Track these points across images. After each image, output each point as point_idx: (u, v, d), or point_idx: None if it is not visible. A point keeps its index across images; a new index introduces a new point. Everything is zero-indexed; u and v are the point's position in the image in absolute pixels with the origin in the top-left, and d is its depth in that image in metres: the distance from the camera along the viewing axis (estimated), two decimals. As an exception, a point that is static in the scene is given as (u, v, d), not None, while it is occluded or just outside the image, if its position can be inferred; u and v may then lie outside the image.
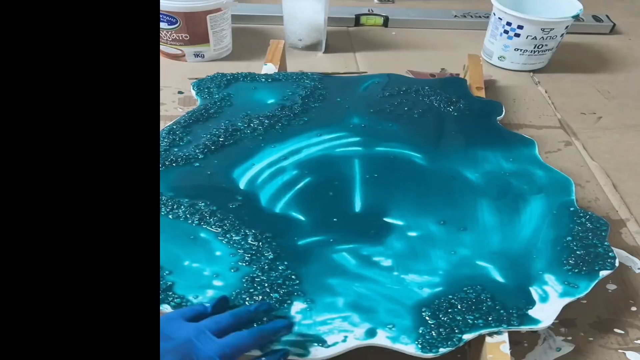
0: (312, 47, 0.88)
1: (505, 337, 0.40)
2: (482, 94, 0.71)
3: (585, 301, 0.47)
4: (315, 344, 0.39)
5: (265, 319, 0.40)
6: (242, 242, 0.46)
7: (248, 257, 0.45)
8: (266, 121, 0.61)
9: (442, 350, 0.39)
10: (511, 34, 0.82)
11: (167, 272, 0.43)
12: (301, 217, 0.50)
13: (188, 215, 0.48)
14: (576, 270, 0.45)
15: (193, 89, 0.67)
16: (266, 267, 0.44)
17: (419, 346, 0.39)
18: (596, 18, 1.01)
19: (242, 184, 0.53)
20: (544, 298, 0.43)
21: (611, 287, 0.50)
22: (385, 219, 0.50)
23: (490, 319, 0.41)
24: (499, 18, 0.82)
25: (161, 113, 0.70)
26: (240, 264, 0.44)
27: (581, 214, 0.51)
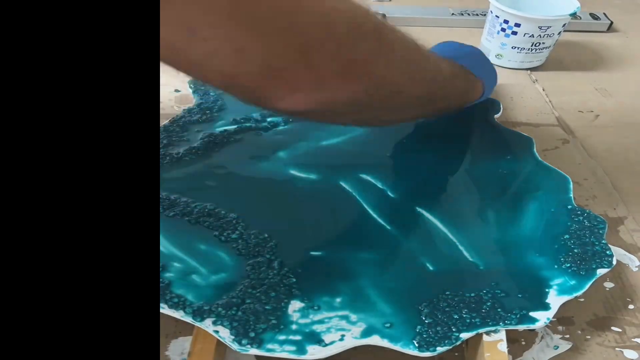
0: (309, 45, 0.87)
1: (502, 335, 0.40)
2: (479, 92, 0.71)
3: (582, 299, 0.47)
4: (313, 343, 0.39)
5: None
6: (239, 241, 0.46)
7: (245, 256, 0.45)
8: (263, 119, 0.61)
9: (439, 349, 0.38)
10: (508, 32, 0.82)
11: (163, 270, 0.43)
12: (299, 216, 0.50)
13: (185, 214, 0.48)
14: (574, 269, 0.45)
15: (190, 87, 0.67)
16: (263, 266, 0.44)
17: (417, 345, 0.39)
18: (593, 16, 1.01)
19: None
20: (542, 296, 0.43)
21: (609, 285, 0.49)
22: (380, 219, 0.50)
23: (487, 317, 0.41)
24: (496, 16, 0.82)
25: (158, 111, 0.69)
26: (237, 263, 0.44)
27: (579, 212, 0.51)
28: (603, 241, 0.48)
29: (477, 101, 0.60)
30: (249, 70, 0.31)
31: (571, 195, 0.53)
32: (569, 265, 0.45)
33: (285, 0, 0.30)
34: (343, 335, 0.39)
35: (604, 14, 1.02)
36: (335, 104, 0.36)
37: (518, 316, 0.41)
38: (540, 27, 0.80)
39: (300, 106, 0.34)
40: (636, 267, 0.52)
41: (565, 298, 0.43)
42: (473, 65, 0.56)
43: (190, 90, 0.66)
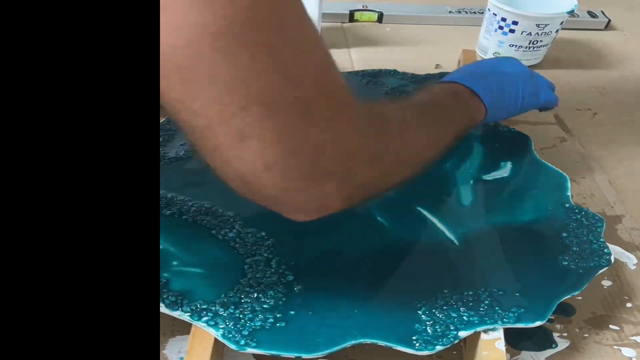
0: (307, 43, 0.87)
1: (500, 333, 0.40)
2: (477, 90, 0.71)
3: (580, 297, 0.47)
4: (311, 342, 0.38)
5: None
6: (237, 239, 0.46)
7: (242, 254, 0.44)
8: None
9: (438, 347, 0.38)
10: (506, 29, 0.82)
11: (161, 269, 0.43)
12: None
13: (182, 213, 0.48)
14: (572, 267, 0.45)
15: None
16: (261, 264, 0.44)
17: (415, 344, 0.39)
18: (591, 14, 1.01)
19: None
20: (539, 295, 0.43)
21: (606, 283, 0.49)
22: (378, 216, 0.49)
23: (485, 316, 0.40)
24: (494, 14, 0.82)
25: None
26: (234, 261, 0.44)
27: (576, 210, 0.51)
28: (601, 239, 0.48)
29: (484, 122, 0.54)
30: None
31: (569, 193, 0.53)
32: (566, 263, 0.45)
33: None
34: (341, 334, 0.39)
35: (602, 12, 1.02)
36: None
37: (516, 314, 0.41)
38: (537, 25, 0.80)
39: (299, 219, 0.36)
40: (634, 265, 0.52)
41: (563, 296, 0.43)
42: (481, 85, 0.52)
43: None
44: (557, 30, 0.82)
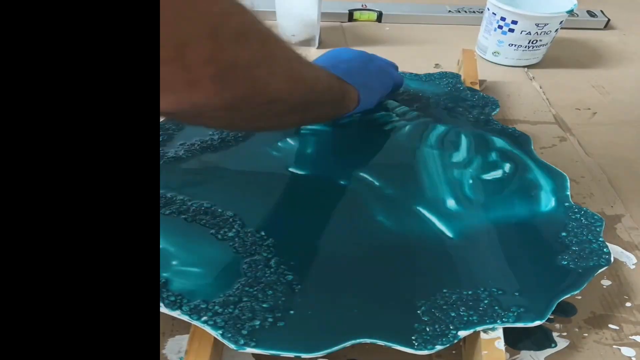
0: (306, 42, 0.87)
1: (499, 333, 0.40)
2: (476, 89, 0.71)
3: (580, 297, 0.47)
4: (310, 341, 0.38)
5: None
6: (236, 239, 0.46)
7: (242, 254, 0.44)
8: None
9: (437, 347, 0.38)
10: (505, 29, 0.82)
11: (161, 269, 0.43)
12: (297, 214, 0.49)
13: (181, 212, 0.48)
14: (571, 266, 0.45)
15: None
16: (260, 264, 0.44)
17: (414, 343, 0.39)
18: (590, 13, 1.01)
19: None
20: (539, 294, 0.43)
21: (606, 282, 0.50)
22: (378, 216, 0.49)
23: (484, 315, 0.41)
24: (493, 13, 0.82)
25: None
26: (234, 261, 0.44)
27: (576, 210, 0.51)
28: (600, 239, 0.48)
29: (356, 110, 0.56)
30: None
31: (568, 193, 0.53)
32: (566, 263, 0.45)
33: None
34: (341, 334, 0.39)
35: (601, 11, 1.02)
36: (208, 108, 0.35)
37: (515, 314, 0.41)
38: (537, 25, 0.80)
39: (170, 107, 0.33)
40: (633, 264, 0.52)
41: (563, 296, 0.43)
42: (351, 74, 0.54)
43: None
44: (556, 30, 0.82)
